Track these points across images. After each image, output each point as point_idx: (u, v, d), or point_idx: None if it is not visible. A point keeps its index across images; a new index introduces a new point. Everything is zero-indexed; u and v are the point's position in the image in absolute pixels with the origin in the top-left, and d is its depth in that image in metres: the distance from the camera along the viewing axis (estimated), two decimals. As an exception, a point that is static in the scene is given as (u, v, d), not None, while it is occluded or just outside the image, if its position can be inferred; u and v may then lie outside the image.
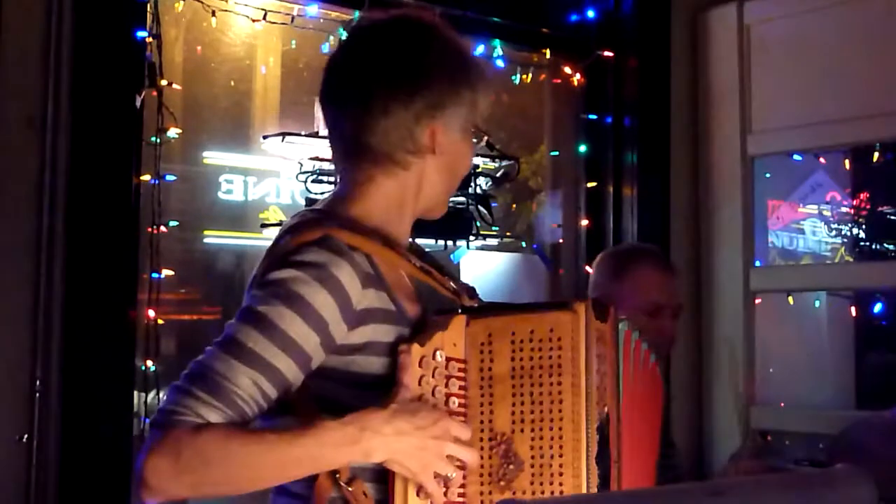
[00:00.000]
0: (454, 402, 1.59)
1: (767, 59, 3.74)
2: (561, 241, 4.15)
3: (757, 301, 3.78)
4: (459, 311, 1.66)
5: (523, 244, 4.52)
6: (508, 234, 4.51)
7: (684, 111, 3.91)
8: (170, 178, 3.13)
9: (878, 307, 4.67)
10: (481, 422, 1.59)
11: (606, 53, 3.90)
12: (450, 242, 3.75)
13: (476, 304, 1.78)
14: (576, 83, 3.99)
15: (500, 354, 1.59)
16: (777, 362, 4.24)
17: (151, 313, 3.03)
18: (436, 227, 3.55)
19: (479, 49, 3.57)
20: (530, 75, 3.99)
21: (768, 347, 3.93)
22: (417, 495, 1.57)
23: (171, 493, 1.55)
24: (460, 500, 1.58)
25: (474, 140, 1.78)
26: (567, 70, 3.98)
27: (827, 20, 3.62)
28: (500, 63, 3.76)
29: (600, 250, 3.13)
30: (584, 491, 1.54)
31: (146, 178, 2.99)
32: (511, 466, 1.57)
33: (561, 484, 1.55)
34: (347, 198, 1.76)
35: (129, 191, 2.85)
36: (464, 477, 1.58)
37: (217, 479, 1.54)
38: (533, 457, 1.56)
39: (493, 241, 4.30)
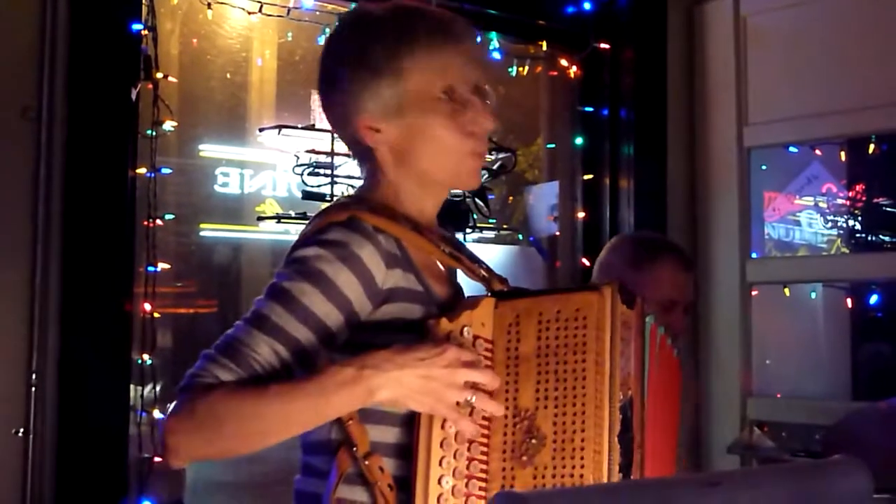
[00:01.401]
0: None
1: (763, 50, 3.74)
2: (558, 233, 4.15)
3: (753, 292, 3.78)
4: (489, 294, 1.68)
5: (520, 236, 4.53)
6: (505, 226, 4.51)
7: (681, 103, 3.91)
8: (166, 170, 3.12)
9: (873, 298, 4.68)
10: (506, 399, 1.60)
11: (603, 45, 3.89)
12: (446, 234, 3.75)
13: (504, 289, 1.79)
14: (572, 75, 3.99)
15: (527, 335, 1.61)
16: (773, 353, 4.25)
17: (147, 306, 3.02)
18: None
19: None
20: (527, 67, 3.99)
21: (765, 339, 3.94)
22: (441, 446, 1.57)
23: (191, 452, 1.57)
24: (482, 475, 1.58)
25: (450, 110, 1.70)
26: (563, 62, 3.97)
27: (823, 12, 3.62)
28: (496, 55, 3.76)
29: (597, 242, 3.13)
30: (605, 467, 1.55)
31: (142, 170, 2.99)
32: (534, 441, 1.57)
33: (583, 458, 1.55)
34: (370, 186, 1.80)
35: (124, 184, 2.84)
36: (486, 453, 1.59)
37: (229, 433, 1.55)
38: (556, 433, 1.57)
39: (490, 234, 4.31)
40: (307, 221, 1.76)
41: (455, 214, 3.64)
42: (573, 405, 1.57)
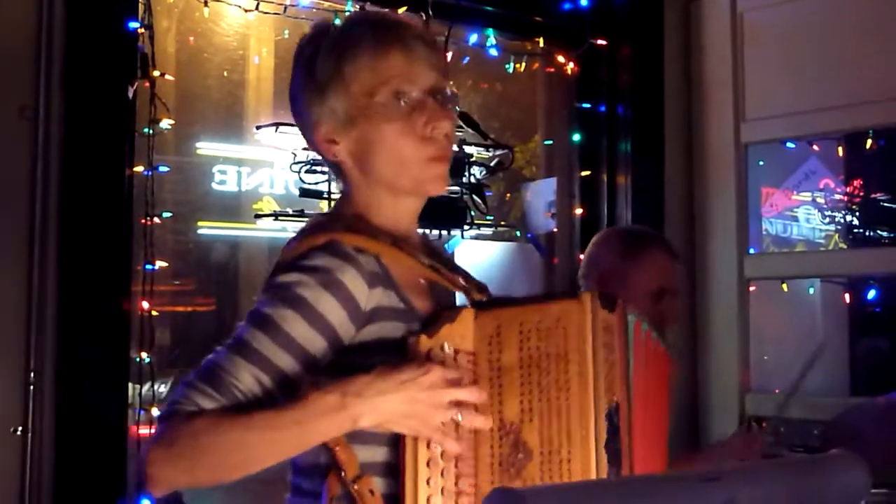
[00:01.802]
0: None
1: (760, 46, 3.74)
2: (555, 229, 4.15)
3: (751, 288, 3.79)
4: (469, 305, 1.68)
5: (518, 233, 4.53)
6: (503, 223, 4.51)
7: (678, 99, 3.91)
8: (163, 168, 3.12)
9: (871, 294, 4.68)
10: (491, 413, 1.59)
11: (600, 42, 3.89)
12: (444, 232, 3.75)
13: (485, 299, 1.78)
14: (569, 72, 3.99)
15: (509, 345, 1.60)
16: (771, 349, 4.25)
17: (145, 305, 3.02)
18: (430, 217, 3.55)
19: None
20: (524, 64, 3.99)
21: (763, 334, 3.94)
22: (427, 465, 1.56)
23: (172, 482, 1.58)
24: (470, 489, 1.57)
25: (398, 112, 1.67)
26: (560, 59, 3.98)
27: (819, 7, 3.62)
28: (493, 52, 3.76)
29: (594, 238, 3.13)
30: (594, 478, 1.54)
31: (139, 169, 2.98)
32: (520, 455, 1.56)
33: (570, 471, 1.55)
34: (344, 201, 1.80)
35: (122, 182, 2.84)
36: (474, 467, 1.58)
37: (211, 463, 1.55)
38: (542, 445, 1.56)
39: (488, 231, 4.31)
40: (301, 220, 1.76)
41: (452, 211, 3.64)
42: (558, 417, 1.56)
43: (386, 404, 1.53)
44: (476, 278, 1.89)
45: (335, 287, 1.60)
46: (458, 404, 1.57)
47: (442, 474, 1.57)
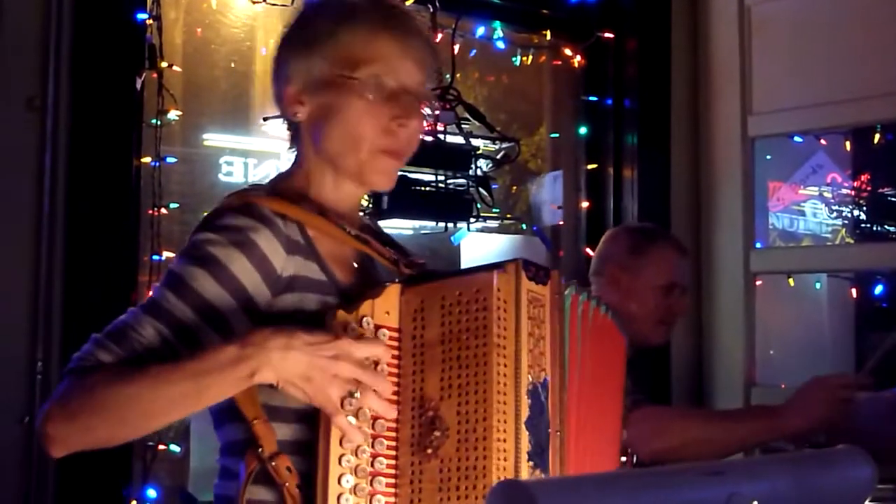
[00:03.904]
0: (385, 371, 1.55)
1: (768, 39, 3.73)
2: (561, 222, 4.14)
3: (757, 282, 3.78)
4: (396, 280, 1.63)
5: (523, 226, 4.52)
6: (509, 215, 4.51)
7: (685, 92, 3.90)
8: (170, 160, 3.12)
9: (878, 289, 4.68)
10: (413, 390, 1.54)
11: (607, 35, 3.89)
12: (450, 224, 3.75)
13: (414, 273, 1.72)
14: (576, 64, 3.98)
15: (431, 320, 1.55)
16: (777, 343, 4.25)
17: (152, 295, 3.03)
18: (436, 209, 3.56)
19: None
20: (530, 57, 3.99)
21: (769, 329, 3.94)
22: (340, 444, 1.51)
23: (70, 440, 1.53)
24: (389, 470, 1.53)
25: (369, 94, 1.66)
26: (567, 51, 3.97)
27: (828, 0, 3.61)
28: (500, 44, 3.75)
29: (601, 231, 3.14)
30: (512, 456, 1.49)
31: (146, 160, 2.99)
32: (437, 433, 1.51)
33: (486, 449, 1.48)
34: (286, 174, 1.79)
35: (129, 173, 2.85)
36: (394, 448, 1.54)
37: (107, 418, 1.51)
38: (459, 422, 1.50)
39: (494, 223, 4.30)
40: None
41: (458, 204, 3.64)
42: (475, 392, 1.50)
43: (286, 361, 1.48)
44: (413, 254, 1.84)
45: (247, 247, 1.58)
46: (360, 384, 1.51)
47: (356, 453, 1.52)
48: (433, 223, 3.72)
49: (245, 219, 1.61)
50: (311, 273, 1.64)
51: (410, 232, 4.28)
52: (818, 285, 5.17)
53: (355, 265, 1.75)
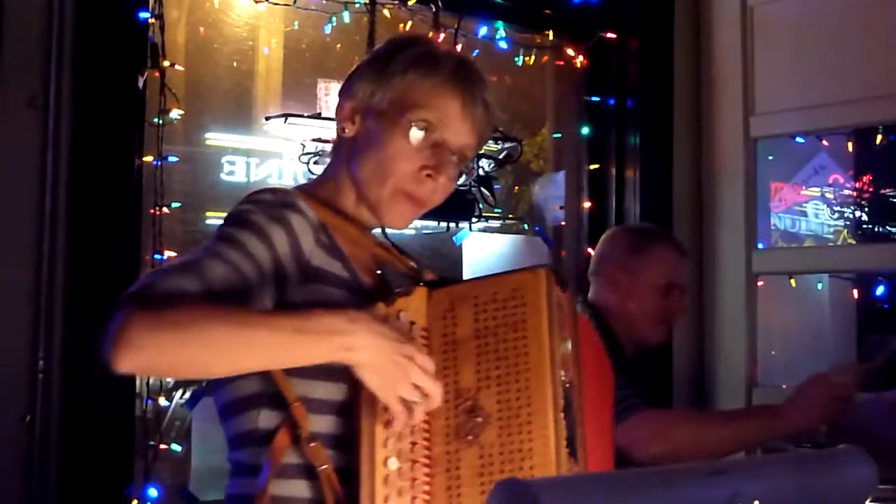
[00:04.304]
0: None
1: (770, 40, 3.73)
2: (563, 222, 4.15)
3: (759, 283, 3.78)
4: (422, 284, 1.67)
5: (525, 226, 4.53)
6: (511, 215, 4.51)
7: (687, 93, 3.90)
8: (172, 159, 3.13)
9: (879, 289, 4.68)
10: (446, 385, 1.57)
11: (609, 35, 3.89)
12: (452, 224, 3.76)
13: (436, 279, 1.77)
14: (578, 65, 3.98)
15: (463, 319, 1.60)
16: (779, 344, 4.25)
17: (154, 294, 3.02)
18: (438, 209, 3.56)
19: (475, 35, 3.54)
20: (533, 57, 3.99)
21: (770, 329, 3.94)
22: (384, 429, 1.53)
23: (149, 351, 1.42)
24: (425, 460, 1.56)
25: (414, 137, 1.69)
26: (570, 52, 3.97)
27: (830, 1, 3.61)
28: (503, 44, 3.76)
29: (603, 232, 3.14)
30: (552, 442, 1.52)
31: (148, 159, 2.99)
32: (478, 419, 1.55)
33: (530, 433, 1.52)
34: (315, 182, 1.85)
35: (131, 172, 2.85)
36: (428, 439, 1.56)
37: (204, 342, 1.44)
38: (500, 409, 1.54)
39: (496, 223, 4.31)
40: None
41: (461, 204, 3.64)
42: (517, 381, 1.55)
43: (378, 348, 1.50)
44: (427, 266, 1.88)
45: (283, 224, 1.60)
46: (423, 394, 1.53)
47: (399, 438, 1.55)
48: (435, 223, 3.73)
49: (279, 199, 1.64)
50: (336, 270, 1.66)
51: (412, 232, 4.29)
52: (820, 286, 5.17)
53: (377, 271, 1.76)
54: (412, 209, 1.75)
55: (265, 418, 1.60)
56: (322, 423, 1.59)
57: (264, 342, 1.48)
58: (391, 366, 1.51)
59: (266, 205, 1.62)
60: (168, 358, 1.44)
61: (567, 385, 1.59)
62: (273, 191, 1.67)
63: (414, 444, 1.56)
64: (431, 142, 1.71)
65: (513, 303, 1.59)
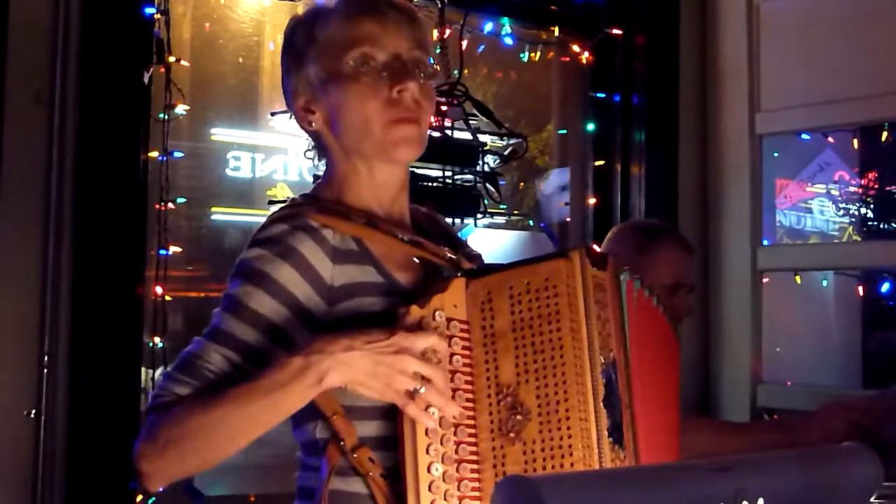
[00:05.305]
0: (458, 361, 1.59)
1: (776, 36, 3.73)
2: (568, 219, 4.14)
3: (764, 280, 3.77)
4: (459, 274, 1.67)
5: (531, 222, 4.52)
6: (516, 211, 4.51)
7: (693, 89, 3.90)
8: (178, 154, 3.13)
9: (885, 287, 4.67)
10: (487, 378, 1.59)
11: (615, 31, 3.88)
12: (457, 220, 3.75)
13: (475, 267, 1.77)
14: (584, 61, 3.98)
15: (500, 310, 1.60)
16: (784, 341, 4.24)
17: (159, 290, 3.03)
18: (443, 205, 3.56)
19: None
20: (538, 53, 3.98)
21: (775, 326, 3.93)
22: (427, 434, 1.55)
23: (166, 473, 1.59)
24: (472, 457, 1.57)
25: (362, 74, 1.69)
26: (575, 48, 3.97)
27: (837, -2, 3.60)
28: (508, 41, 3.75)
29: (608, 228, 3.13)
30: (593, 434, 1.55)
31: (154, 154, 2.99)
32: (519, 417, 1.56)
33: (569, 428, 1.54)
34: (322, 183, 1.82)
35: (136, 167, 2.85)
36: (474, 435, 1.58)
37: (197, 446, 1.57)
38: (539, 405, 1.55)
39: (501, 219, 4.31)
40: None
41: (466, 200, 3.64)
42: (554, 375, 1.56)
43: (350, 363, 1.52)
44: (469, 247, 1.89)
45: (291, 257, 1.62)
46: (424, 379, 1.55)
47: (442, 442, 1.56)
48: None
49: (287, 228, 1.64)
50: (369, 277, 1.67)
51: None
52: (825, 283, 5.15)
53: (416, 261, 1.76)
54: (409, 129, 1.72)
55: (320, 430, 1.65)
56: (370, 428, 1.62)
57: (249, 416, 1.55)
58: (375, 367, 1.53)
59: (274, 242, 1.64)
60: (179, 470, 1.60)
61: (609, 365, 1.60)
62: (283, 217, 1.67)
63: (459, 443, 1.57)
64: (379, 66, 1.70)
65: (546, 293, 1.59)
